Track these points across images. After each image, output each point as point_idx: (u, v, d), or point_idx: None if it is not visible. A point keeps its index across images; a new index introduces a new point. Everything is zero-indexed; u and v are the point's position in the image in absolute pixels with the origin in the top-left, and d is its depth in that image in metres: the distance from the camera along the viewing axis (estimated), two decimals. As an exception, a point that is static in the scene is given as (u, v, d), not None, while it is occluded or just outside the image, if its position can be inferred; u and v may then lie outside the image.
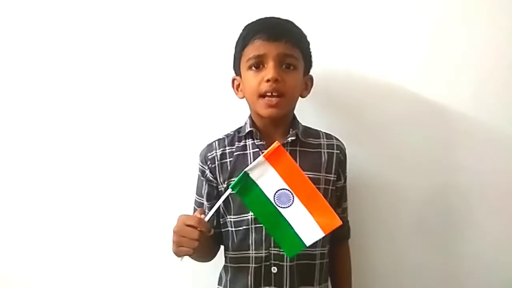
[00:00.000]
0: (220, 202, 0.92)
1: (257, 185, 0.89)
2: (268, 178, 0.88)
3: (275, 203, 0.89)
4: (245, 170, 0.89)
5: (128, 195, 1.26)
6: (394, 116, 1.19)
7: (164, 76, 1.24)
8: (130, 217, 1.26)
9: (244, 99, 1.03)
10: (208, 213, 0.94)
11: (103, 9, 1.24)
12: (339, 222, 0.87)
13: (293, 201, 0.88)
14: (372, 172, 1.20)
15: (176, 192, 1.21)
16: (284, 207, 0.89)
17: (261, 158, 0.88)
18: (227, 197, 0.92)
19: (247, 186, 0.89)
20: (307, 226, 0.88)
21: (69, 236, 1.27)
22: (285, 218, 0.89)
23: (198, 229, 0.88)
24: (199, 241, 0.88)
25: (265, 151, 0.88)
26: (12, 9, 1.26)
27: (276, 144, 0.87)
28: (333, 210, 0.88)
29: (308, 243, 0.88)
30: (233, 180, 0.98)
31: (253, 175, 0.89)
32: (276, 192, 0.88)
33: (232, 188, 0.90)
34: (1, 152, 1.29)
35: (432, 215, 1.20)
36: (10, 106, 1.28)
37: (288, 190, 0.88)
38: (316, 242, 0.96)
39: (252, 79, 0.98)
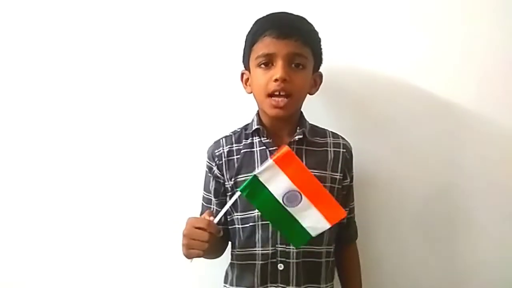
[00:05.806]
0: (229, 204, 0.92)
1: (266, 188, 0.89)
2: (277, 181, 0.89)
3: (284, 203, 0.90)
4: (254, 173, 0.89)
5: (135, 193, 1.25)
6: (399, 112, 1.19)
7: (171, 73, 1.23)
8: (136, 214, 1.25)
9: (252, 94, 1.03)
10: (216, 214, 0.94)
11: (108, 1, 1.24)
12: (344, 213, 0.91)
13: (301, 199, 0.89)
14: (378, 168, 1.20)
15: (184, 189, 1.21)
16: (292, 207, 0.90)
17: (270, 161, 0.88)
18: (233, 194, 0.92)
19: (257, 189, 0.89)
20: (314, 219, 0.90)
21: (75, 237, 1.26)
22: (292, 215, 0.90)
23: (208, 231, 0.88)
24: (209, 242, 0.88)
25: (275, 155, 0.88)
26: (12, 9, 1.25)
27: (286, 148, 0.88)
28: (337, 202, 0.90)
29: (314, 234, 0.90)
30: (240, 177, 1.00)
31: (262, 178, 0.89)
32: (285, 194, 0.89)
33: (241, 191, 0.90)
34: (1, 152, 1.27)
35: (437, 212, 1.20)
36: (10, 106, 1.26)
37: (297, 191, 0.89)
38: (323, 239, 0.98)
39: (261, 77, 0.97)
